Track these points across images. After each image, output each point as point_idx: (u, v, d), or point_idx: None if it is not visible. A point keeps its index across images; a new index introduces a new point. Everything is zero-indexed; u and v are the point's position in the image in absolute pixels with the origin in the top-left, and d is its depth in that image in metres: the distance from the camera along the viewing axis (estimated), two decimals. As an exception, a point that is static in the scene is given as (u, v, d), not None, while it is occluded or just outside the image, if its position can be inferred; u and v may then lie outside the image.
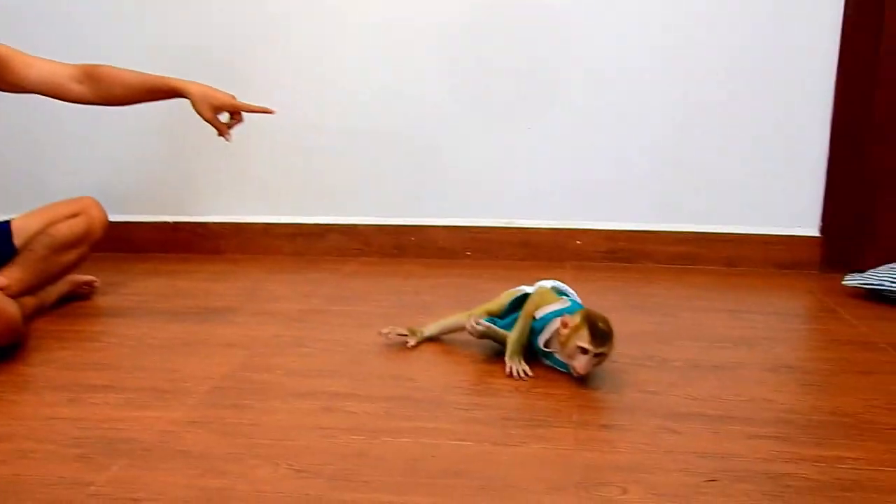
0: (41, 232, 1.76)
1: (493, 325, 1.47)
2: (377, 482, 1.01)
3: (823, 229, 2.18)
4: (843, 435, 1.15)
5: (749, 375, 1.39)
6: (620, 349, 1.40)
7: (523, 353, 1.41)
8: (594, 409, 1.25)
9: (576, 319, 1.33)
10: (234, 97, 1.69)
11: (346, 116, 2.32)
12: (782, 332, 1.69)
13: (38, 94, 1.71)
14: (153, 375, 1.41)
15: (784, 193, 2.18)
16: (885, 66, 2.07)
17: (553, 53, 2.20)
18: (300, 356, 1.51)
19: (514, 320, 1.45)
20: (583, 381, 1.34)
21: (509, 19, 2.21)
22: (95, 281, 1.98)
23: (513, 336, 1.42)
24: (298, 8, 2.28)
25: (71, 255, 1.79)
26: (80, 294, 1.95)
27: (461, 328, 1.54)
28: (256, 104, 1.69)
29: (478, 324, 1.45)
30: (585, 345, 1.30)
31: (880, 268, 1.93)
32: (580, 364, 1.31)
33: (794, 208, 2.19)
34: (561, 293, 1.49)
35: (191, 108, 1.66)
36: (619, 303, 1.86)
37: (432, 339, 1.59)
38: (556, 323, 1.38)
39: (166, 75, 1.70)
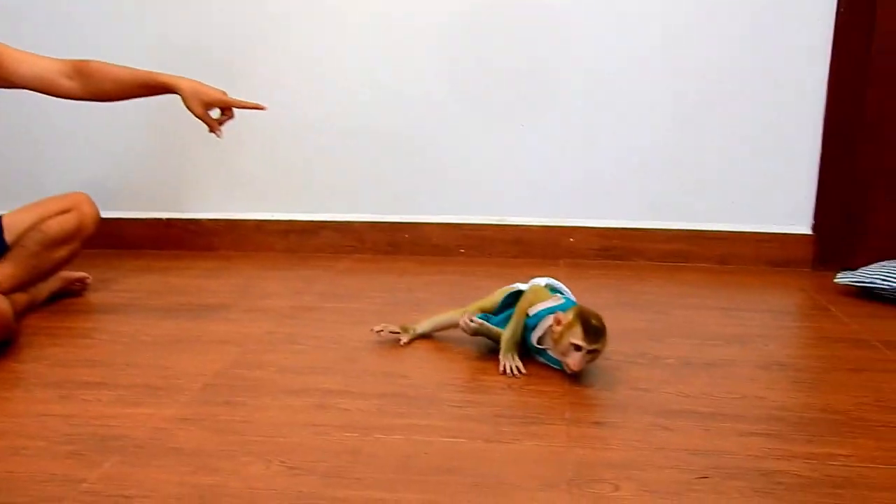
0: (32, 228, 1.75)
1: (486, 322, 1.47)
2: (370, 479, 1.01)
3: (816, 227, 2.19)
4: (833, 432, 1.16)
5: (741, 373, 1.40)
6: (613, 346, 1.40)
7: (517, 350, 1.42)
8: (587, 406, 1.26)
9: (569, 316, 1.34)
10: (224, 93, 1.68)
11: (340, 114, 2.32)
12: (774, 330, 1.69)
13: (28, 89, 1.70)
14: (145, 372, 1.40)
15: (777, 191, 2.19)
16: (877, 65, 2.08)
17: (547, 53, 2.21)
18: (293, 353, 1.51)
19: (508, 317, 1.45)
20: (576, 378, 1.34)
21: (503, 18, 2.21)
22: (87, 277, 1.97)
23: (506, 333, 1.42)
24: (293, 5, 2.28)
25: (62, 252, 1.78)
26: (72, 291, 1.94)
27: (454, 325, 1.54)
28: (248, 100, 1.69)
29: (471, 321, 1.45)
30: (579, 341, 1.31)
31: (872, 266, 1.94)
32: (573, 361, 1.31)
33: (787, 206, 2.20)
34: (555, 290, 1.49)
35: (182, 104, 1.66)
36: (611, 300, 1.87)
37: (425, 336, 1.59)
38: (550, 320, 1.38)
39: (158, 71, 1.70)
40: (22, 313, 1.71)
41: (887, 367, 1.43)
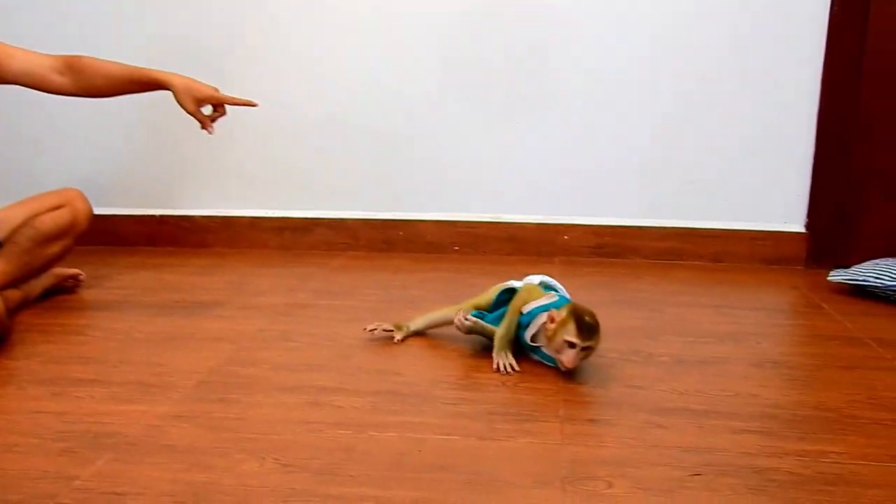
0: (25, 224, 1.74)
1: (480, 321, 1.47)
2: (363, 476, 1.01)
3: (809, 225, 2.20)
4: (826, 429, 1.16)
5: (734, 370, 1.40)
6: (607, 344, 1.40)
7: (510, 348, 1.42)
8: (580, 403, 1.26)
9: (562, 314, 1.34)
10: (216, 89, 1.68)
11: (335, 111, 2.32)
12: (767, 328, 1.70)
13: (19, 85, 1.70)
14: (139, 369, 1.40)
15: (770, 190, 2.20)
16: (870, 65, 2.08)
17: (543, 52, 2.21)
18: (287, 350, 1.51)
19: (503, 315, 1.45)
20: (570, 375, 1.34)
21: (499, 17, 2.20)
22: (81, 274, 1.96)
23: (500, 331, 1.42)
24: (290, 4, 2.27)
25: (55, 248, 1.78)
26: (65, 287, 1.93)
27: (448, 322, 1.54)
28: (240, 97, 1.69)
29: (465, 319, 1.45)
30: (572, 339, 1.31)
31: (865, 263, 1.95)
32: (567, 358, 1.32)
33: (781, 205, 2.20)
34: (549, 288, 1.50)
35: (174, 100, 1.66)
36: (606, 298, 1.87)
37: (419, 334, 1.59)
38: (543, 318, 1.38)
39: (150, 67, 1.70)
40: (15, 310, 1.71)
41: (879, 365, 1.44)
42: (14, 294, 1.72)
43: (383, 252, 2.36)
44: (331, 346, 1.53)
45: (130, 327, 1.65)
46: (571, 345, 1.31)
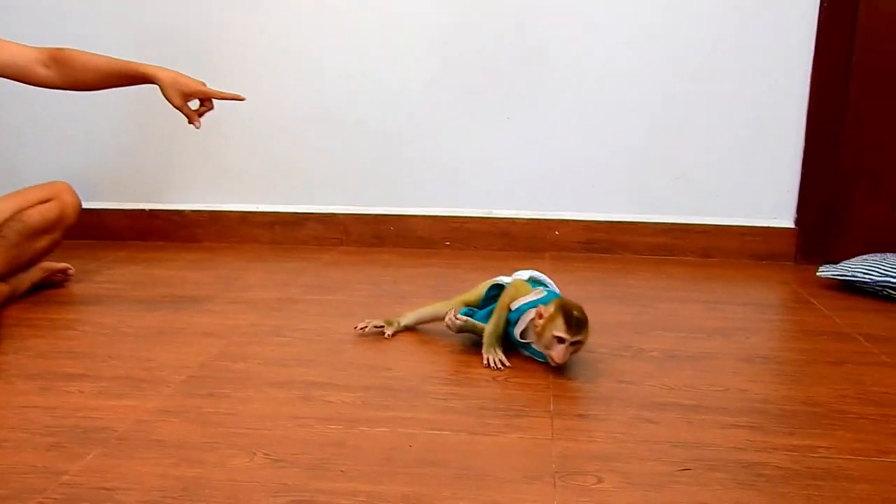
0: (12, 218, 1.73)
1: (470, 319, 1.47)
2: (354, 471, 1.01)
3: (798, 221, 2.21)
4: (814, 424, 1.17)
5: (724, 365, 1.41)
6: (597, 339, 1.41)
7: (499, 344, 1.42)
8: (570, 398, 1.26)
9: (550, 309, 1.34)
10: (203, 84, 1.67)
11: (325, 106, 2.31)
12: (757, 323, 1.71)
13: (3, 77, 1.68)
14: (128, 364, 1.40)
15: (760, 186, 2.21)
16: (859, 62, 2.09)
17: (534, 48, 2.20)
18: (277, 345, 1.51)
19: (492, 311, 1.45)
20: (560, 370, 1.35)
21: (489, 12, 2.20)
22: (70, 268, 1.95)
23: (488, 328, 1.42)
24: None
25: (43, 242, 1.77)
26: (54, 282, 1.92)
27: (439, 318, 1.54)
28: (227, 91, 1.68)
29: (456, 318, 1.46)
30: (561, 334, 1.31)
31: (854, 259, 1.96)
32: (557, 353, 1.32)
33: (770, 200, 2.21)
34: (538, 283, 1.50)
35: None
36: (596, 293, 1.87)
37: (410, 329, 1.59)
38: (532, 314, 1.38)
39: (137, 61, 1.68)
40: (3, 304, 1.70)
41: (868, 360, 1.45)
42: (2, 288, 1.71)
43: (374, 247, 2.35)
44: (321, 341, 1.53)
45: (120, 322, 1.65)
46: (560, 340, 1.31)
